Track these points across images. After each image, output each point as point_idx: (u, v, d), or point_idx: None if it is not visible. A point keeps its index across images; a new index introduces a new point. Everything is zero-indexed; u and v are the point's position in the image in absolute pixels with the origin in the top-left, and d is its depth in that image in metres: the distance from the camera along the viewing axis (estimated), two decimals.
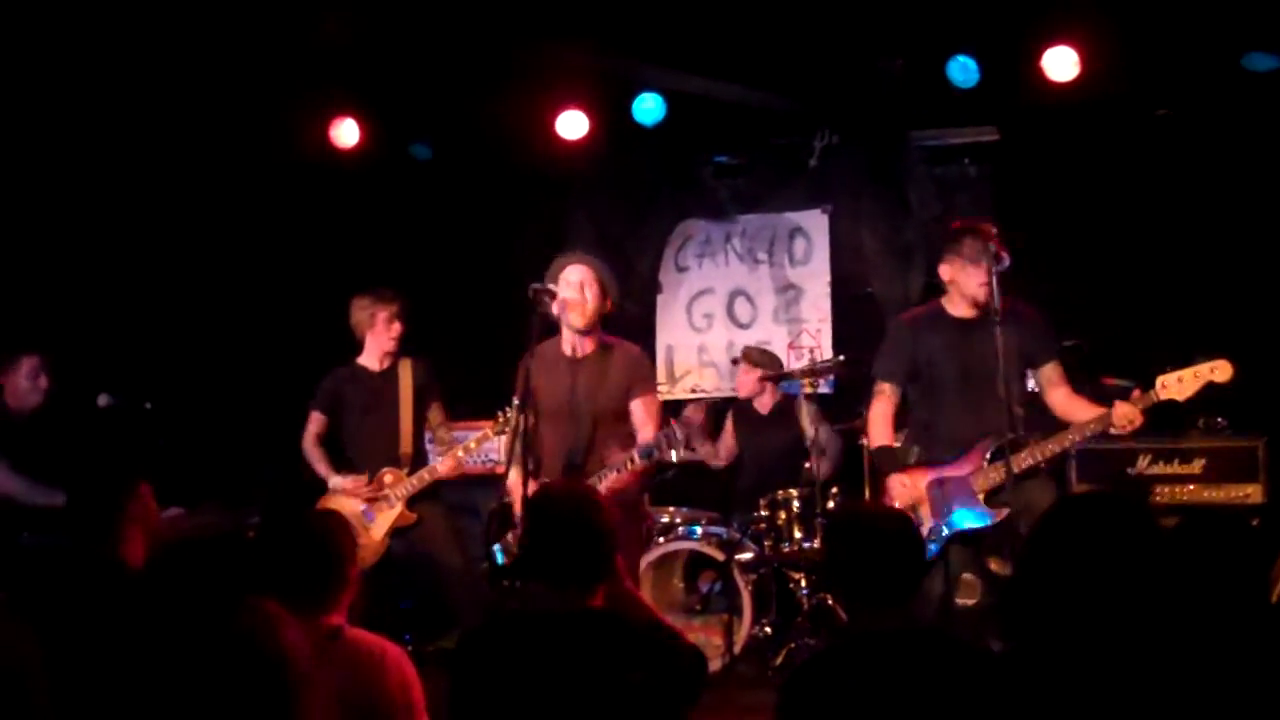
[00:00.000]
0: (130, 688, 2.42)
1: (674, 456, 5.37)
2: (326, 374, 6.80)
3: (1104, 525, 2.74)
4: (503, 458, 6.69)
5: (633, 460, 5.30)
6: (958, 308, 5.64)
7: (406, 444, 6.61)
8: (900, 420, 5.87)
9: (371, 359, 6.76)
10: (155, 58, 7.02)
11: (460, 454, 6.47)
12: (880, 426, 5.77)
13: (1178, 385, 5.25)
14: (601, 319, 5.66)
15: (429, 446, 6.88)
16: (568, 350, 5.64)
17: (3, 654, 2.31)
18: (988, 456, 5.42)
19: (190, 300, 8.52)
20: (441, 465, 6.47)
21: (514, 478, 5.47)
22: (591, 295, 5.54)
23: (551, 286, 5.49)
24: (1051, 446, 5.34)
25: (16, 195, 7.58)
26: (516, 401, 5.45)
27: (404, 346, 6.76)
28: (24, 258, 7.71)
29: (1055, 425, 5.49)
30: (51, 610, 3.34)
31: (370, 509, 6.51)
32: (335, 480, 6.58)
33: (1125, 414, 5.21)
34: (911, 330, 5.80)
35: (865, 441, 7.52)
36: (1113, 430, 5.29)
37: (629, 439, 5.55)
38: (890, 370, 5.82)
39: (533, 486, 5.13)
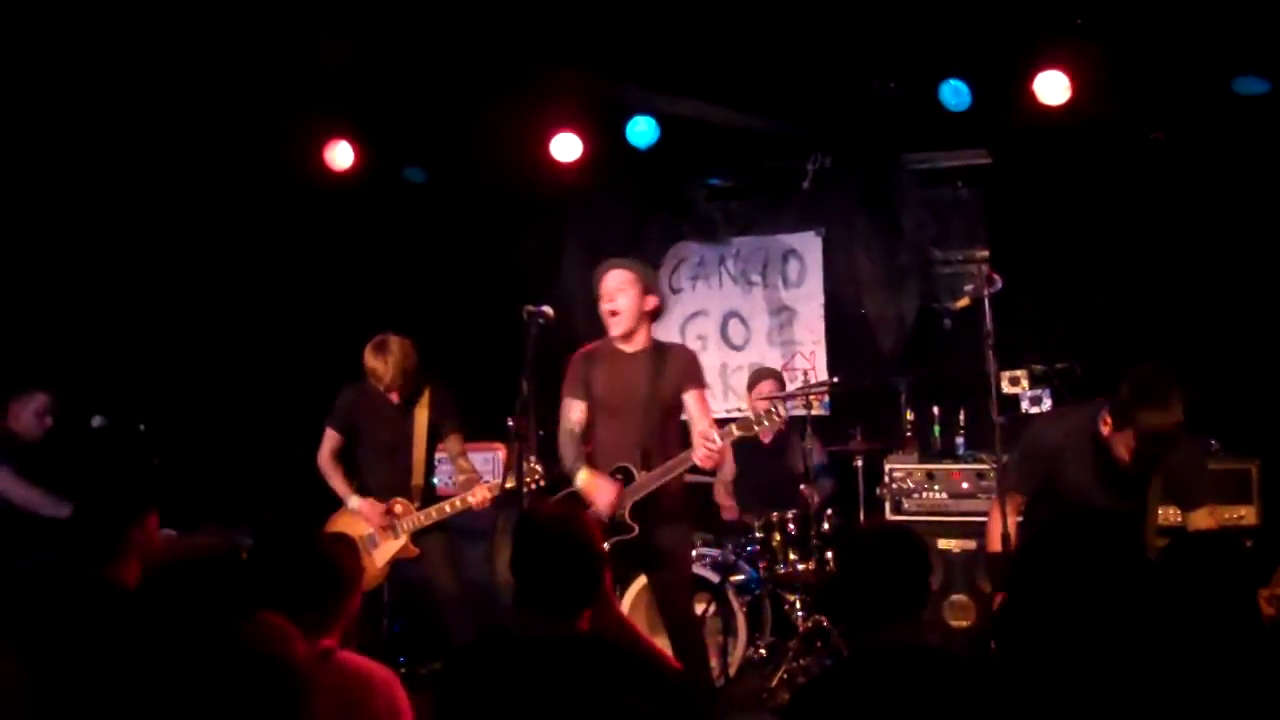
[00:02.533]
0: (131, 706, 2.42)
1: (767, 424, 5.69)
2: (341, 390, 6.58)
3: (1089, 543, 2.74)
4: (500, 476, 6.66)
5: (730, 432, 5.45)
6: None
7: (419, 476, 6.52)
8: None
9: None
10: (150, 81, 7.03)
11: (448, 509, 6.37)
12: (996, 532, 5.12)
13: None
14: (647, 317, 5.80)
15: (445, 469, 6.83)
16: (620, 346, 5.78)
17: None
18: None
19: (185, 321, 8.51)
20: (473, 497, 6.32)
21: (582, 478, 5.61)
22: (626, 300, 5.68)
23: (547, 309, 5.51)
24: None
25: (10, 213, 7.58)
26: (512, 425, 5.50)
27: (417, 379, 6.50)
28: (17, 278, 7.71)
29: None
30: (47, 629, 3.33)
31: (377, 535, 6.48)
32: (354, 501, 6.44)
33: None
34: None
35: (857, 464, 7.58)
36: None
37: (681, 433, 5.75)
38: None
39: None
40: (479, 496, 6.28)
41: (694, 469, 5.60)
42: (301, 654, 2.43)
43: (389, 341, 6.35)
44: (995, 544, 5.06)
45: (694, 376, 5.80)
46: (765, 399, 5.62)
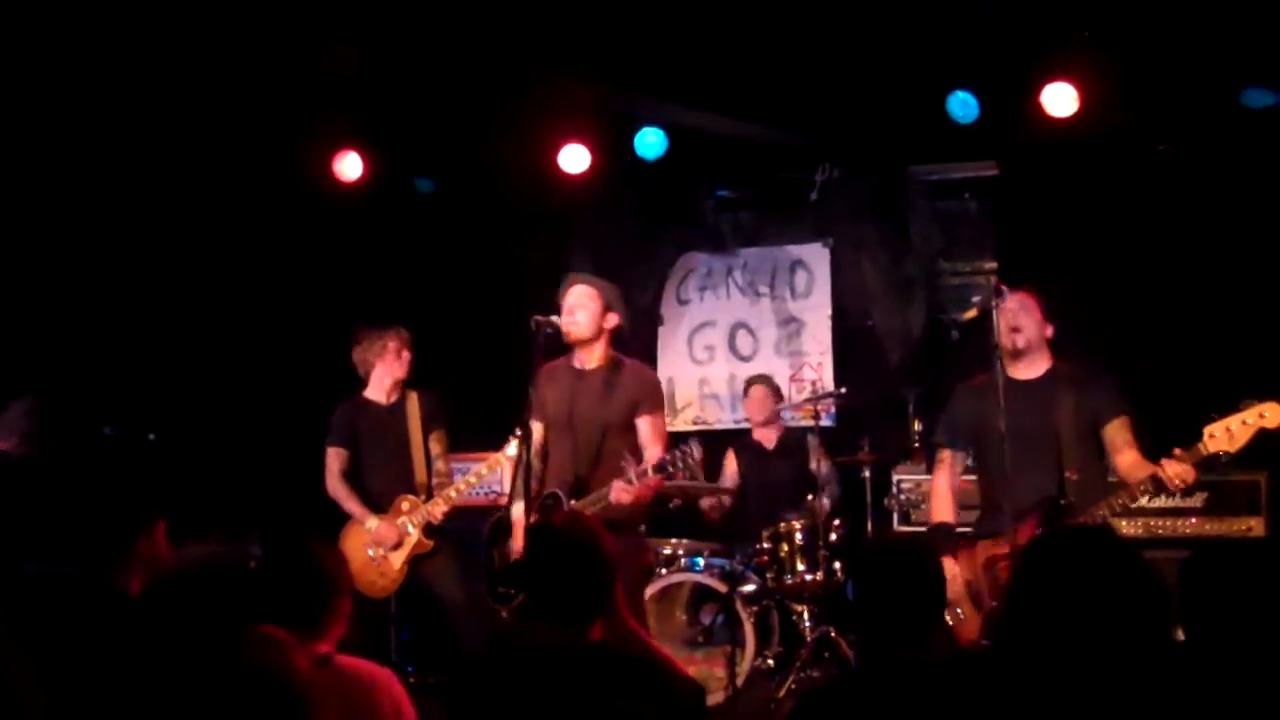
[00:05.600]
0: (134, 715, 2.44)
1: (685, 477, 5.43)
2: (335, 409, 6.83)
3: (1084, 558, 2.72)
4: (506, 488, 6.75)
5: (647, 472, 5.31)
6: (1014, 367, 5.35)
7: (421, 473, 6.67)
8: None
9: (379, 392, 6.81)
10: (158, 90, 7.06)
11: (453, 494, 6.53)
12: (940, 499, 5.51)
13: (1227, 436, 4.82)
14: (606, 334, 5.70)
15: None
16: (575, 364, 5.70)
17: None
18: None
19: (193, 331, 8.54)
20: (436, 509, 6.51)
21: (518, 510, 5.53)
22: (585, 315, 5.59)
23: (554, 318, 5.54)
24: (1102, 511, 4.97)
25: (17, 223, 7.61)
26: (519, 433, 5.46)
27: (411, 378, 6.84)
28: (26, 287, 7.73)
29: None
30: (50, 636, 3.34)
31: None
32: (371, 522, 6.57)
33: (1177, 472, 4.81)
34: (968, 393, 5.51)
35: (865, 475, 7.58)
36: (1168, 488, 4.92)
37: (635, 455, 5.53)
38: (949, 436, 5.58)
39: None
40: (481, 473, 6.51)
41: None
42: (301, 665, 2.43)
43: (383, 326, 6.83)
44: (935, 512, 5.48)
45: (651, 399, 5.68)
46: (674, 450, 5.47)
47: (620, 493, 5.30)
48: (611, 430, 5.57)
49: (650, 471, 5.33)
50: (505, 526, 5.87)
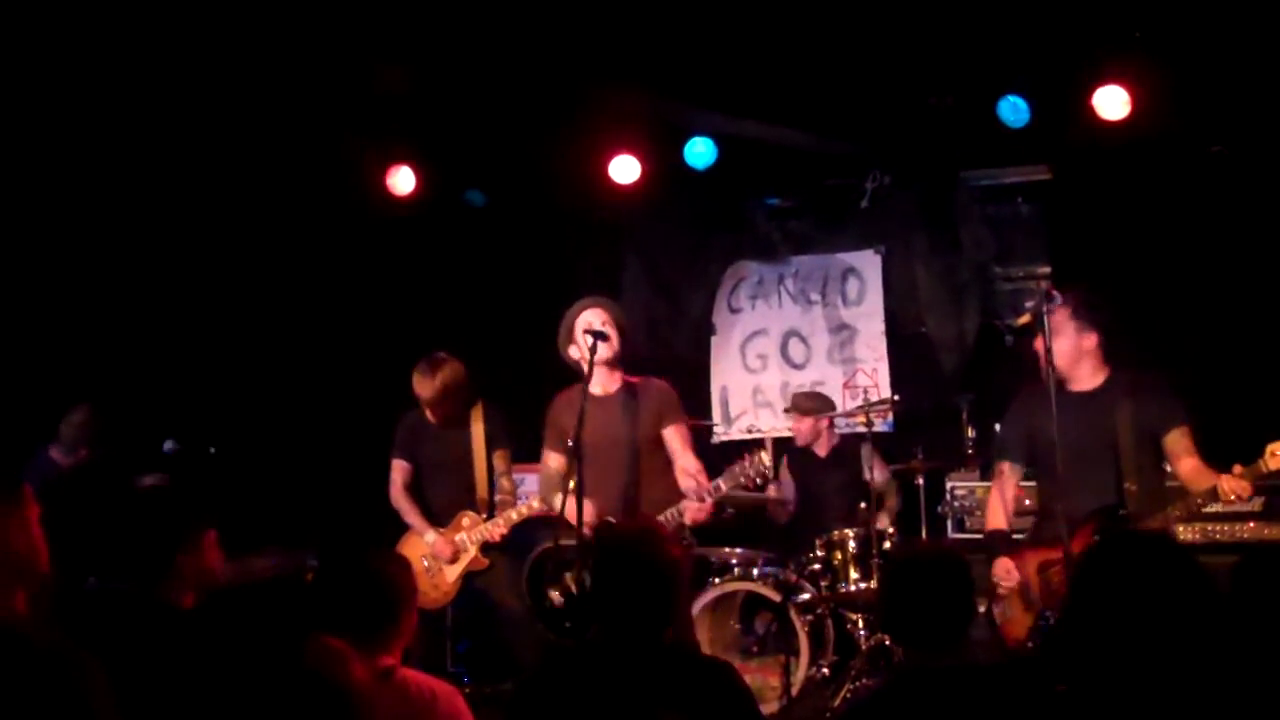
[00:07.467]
0: None
1: (757, 483, 5.47)
2: (398, 421, 6.80)
3: (1142, 563, 2.71)
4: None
5: (719, 488, 5.39)
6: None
7: (483, 490, 6.65)
8: None
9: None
10: (216, 108, 7.15)
11: (515, 516, 6.51)
12: (995, 508, 5.56)
13: None
14: (621, 359, 5.80)
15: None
16: (597, 390, 5.72)
17: (75, 682, 2.35)
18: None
19: (252, 346, 8.64)
20: (496, 530, 6.51)
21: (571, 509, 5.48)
22: (615, 334, 5.68)
23: (605, 330, 5.57)
24: (1159, 522, 4.97)
25: (80, 240, 7.73)
26: (570, 443, 5.46)
27: (473, 393, 6.74)
28: (89, 305, 7.85)
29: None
30: (104, 651, 3.38)
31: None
32: (430, 535, 6.59)
33: (1233, 488, 4.83)
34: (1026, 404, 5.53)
35: (919, 482, 7.55)
36: (1222, 500, 4.93)
37: (669, 470, 5.65)
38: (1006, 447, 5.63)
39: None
40: (525, 506, 6.43)
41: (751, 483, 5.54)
42: (360, 675, 2.46)
43: (439, 361, 6.54)
44: (990, 521, 5.55)
45: (672, 410, 5.77)
46: (744, 458, 5.46)
47: (695, 513, 5.40)
48: (644, 450, 5.68)
49: (723, 486, 5.38)
50: (561, 560, 5.84)
